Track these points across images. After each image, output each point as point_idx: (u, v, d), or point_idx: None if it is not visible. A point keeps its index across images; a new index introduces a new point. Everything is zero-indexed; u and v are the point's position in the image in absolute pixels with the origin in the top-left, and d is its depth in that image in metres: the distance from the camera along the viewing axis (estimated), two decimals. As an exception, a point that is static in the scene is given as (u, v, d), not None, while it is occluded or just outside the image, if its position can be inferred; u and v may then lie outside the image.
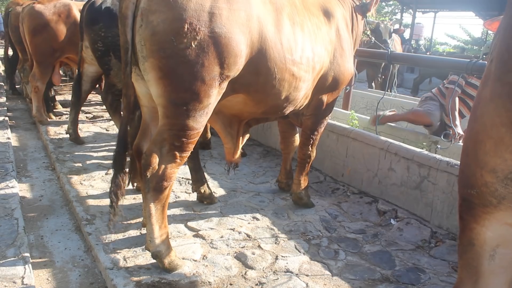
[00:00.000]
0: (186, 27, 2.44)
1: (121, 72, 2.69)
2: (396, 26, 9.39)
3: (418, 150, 4.02)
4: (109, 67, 4.66)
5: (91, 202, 3.90)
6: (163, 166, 2.69)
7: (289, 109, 3.40)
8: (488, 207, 1.42)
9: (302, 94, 3.33)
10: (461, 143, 4.58)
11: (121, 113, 5.05)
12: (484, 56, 4.50)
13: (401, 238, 3.59)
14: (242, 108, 3.20)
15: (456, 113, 4.90)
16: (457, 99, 4.99)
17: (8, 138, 5.56)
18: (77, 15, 6.22)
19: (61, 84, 9.85)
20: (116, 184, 2.83)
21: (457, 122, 4.86)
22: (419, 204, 3.88)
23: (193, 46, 2.47)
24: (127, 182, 2.97)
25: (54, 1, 6.35)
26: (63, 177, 4.44)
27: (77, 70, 9.20)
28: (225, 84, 2.72)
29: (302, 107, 3.58)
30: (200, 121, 2.69)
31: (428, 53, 20.50)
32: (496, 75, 1.32)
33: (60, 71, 7.71)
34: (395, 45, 8.92)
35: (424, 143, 4.57)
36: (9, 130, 6.00)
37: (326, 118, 3.90)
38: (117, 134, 2.93)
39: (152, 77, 2.54)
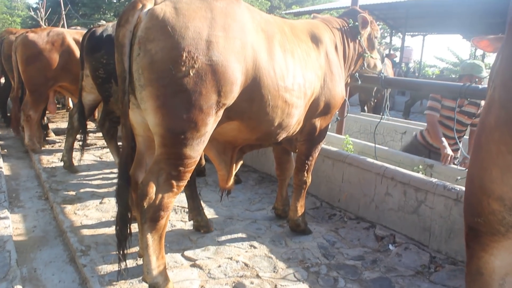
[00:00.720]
0: (184, 55, 2.44)
1: (119, 102, 2.67)
2: (386, 51, 9.52)
3: (415, 174, 4.02)
4: (109, 94, 4.66)
5: (85, 232, 3.84)
6: (160, 196, 2.66)
7: (282, 135, 3.40)
8: (496, 235, 1.41)
9: (294, 120, 3.34)
10: (453, 165, 4.57)
11: (117, 141, 5.04)
12: (476, 79, 4.51)
13: (400, 263, 3.55)
14: (236, 135, 3.20)
15: (441, 136, 4.91)
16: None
17: (0, 168, 5.49)
18: (71, 44, 6.24)
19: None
20: (123, 220, 2.76)
21: (444, 143, 4.89)
22: (417, 228, 3.86)
23: (191, 74, 2.47)
24: (133, 217, 2.90)
25: (47, 30, 6.37)
26: (56, 207, 4.38)
27: (69, 99, 9.25)
28: (221, 112, 2.72)
29: (295, 133, 3.59)
30: (197, 150, 2.68)
31: (416, 74, 20.80)
32: (501, 103, 1.32)
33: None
34: (387, 69, 8.99)
35: (420, 167, 4.57)
36: (1, 159, 5.92)
37: (320, 143, 3.91)
38: (118, 165, 2.87)
39: (150, 106, 2.52)
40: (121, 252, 2.79)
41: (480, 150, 1.42)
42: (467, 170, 4.11)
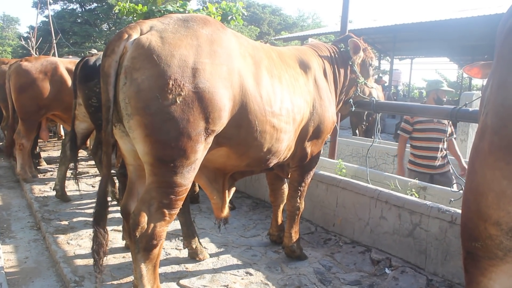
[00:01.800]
0: (170, 83, 2.45)
1: (102, 130, 2.67)
2: (376, 77, 9.67)
3: (409, 197, 4.04)
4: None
5: (79, 262, 3.78)
6: (152, 225, 2.64)
7: (273, 161, 3.40)
8: (494, 259, 1.41)
9: (284, 146, 3.34)
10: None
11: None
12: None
13: (398, 287, 3.53)
14: (225, 161, 3.19)
15: (402, 154, 5.81)
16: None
17: (-9, 198, 5.44)
18: (64, 73, 6.28)
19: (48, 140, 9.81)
20: (98, 242, 2.74)
21: (401, 161, 5.85)
22: (413, 251, 3.85)
23: (178, 102, 2.47)
24: (108, 239, 2.89)
25: (41, 59, 6.41)
26: (49, 237, 4.32)
27: (61, 127, 9.24)
28: (210, 139, 2.72)
29: (286, 158, 3.59)
30: (188, 177, 2.67)
31: (406, 98, 21.06)
32: (493, 129, 1.34)
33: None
34: (378, 93, 9.13)
35: (413, 190, 4.59)
36: (-8, 189, 5.88)
37: (313, 169, 3.92)
38: (97, 192, 2.87)
39: (138, 134, 2.52)
40: (98, 270, 2.76)
41: (475, 175, 1.44)
42: (461, 192, 4.19)
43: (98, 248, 2.74)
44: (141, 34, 2.54)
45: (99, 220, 2.78)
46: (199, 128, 2.57)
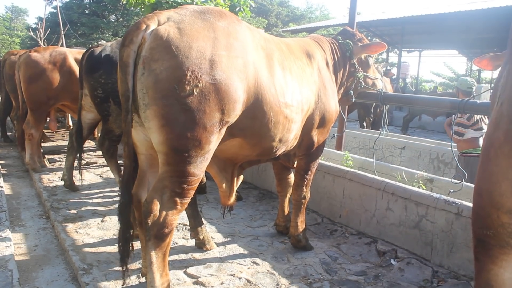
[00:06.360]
0: (188, 74, 2.47)
1: (122, 121, 2.69)
2: (384, 69, 9.66)
3: (415, 189, 4.04)
4: (108, 113, 4.70)
5: (87, 250, 3.84)
6: (164, 213, 2.67)
7: (281, 150, 3.45)
8: (506, 248, 1.42)
9: (293, 135, 3.39)
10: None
11: (117, 159, 5.06)
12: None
13: (403, 278, 3.55)
14: (237, 151, 3.23)
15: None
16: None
17: (1, 187, 5.48)
18: (73, 64, 6.31)
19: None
20: (124, 237, 2.76)
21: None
22: (419, 243, 3.86)
23: (195, 93, 2.50)
24: (134, 233, 2.90)
25: (50, 50, 6.44)
26: (58, 226, 4.38)
27: (69, 117, 9.30)
28: (224, 130, 2.75)
29: (293, 147, 3.64)
30: (200, 167, 2.70)
31: (413, 90, 20.98)
32: (509, 118, 1.34)
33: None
34: (386, 86, 9.11)
35: (420, 182, 4.59)
36: (1, 178, 5.93)
37: (319, 157, 3.97)
38: (120, 183, 2.88)
39: (154, 124, 2.55)
40: (124, 268, 2.79)
41: (489, 164, 1.44)
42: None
43: (125, 243, 2.77)
44: (158, 25, 2.56)
45: (125, 212, 2.78)
46: (214, 119, 2.60)
